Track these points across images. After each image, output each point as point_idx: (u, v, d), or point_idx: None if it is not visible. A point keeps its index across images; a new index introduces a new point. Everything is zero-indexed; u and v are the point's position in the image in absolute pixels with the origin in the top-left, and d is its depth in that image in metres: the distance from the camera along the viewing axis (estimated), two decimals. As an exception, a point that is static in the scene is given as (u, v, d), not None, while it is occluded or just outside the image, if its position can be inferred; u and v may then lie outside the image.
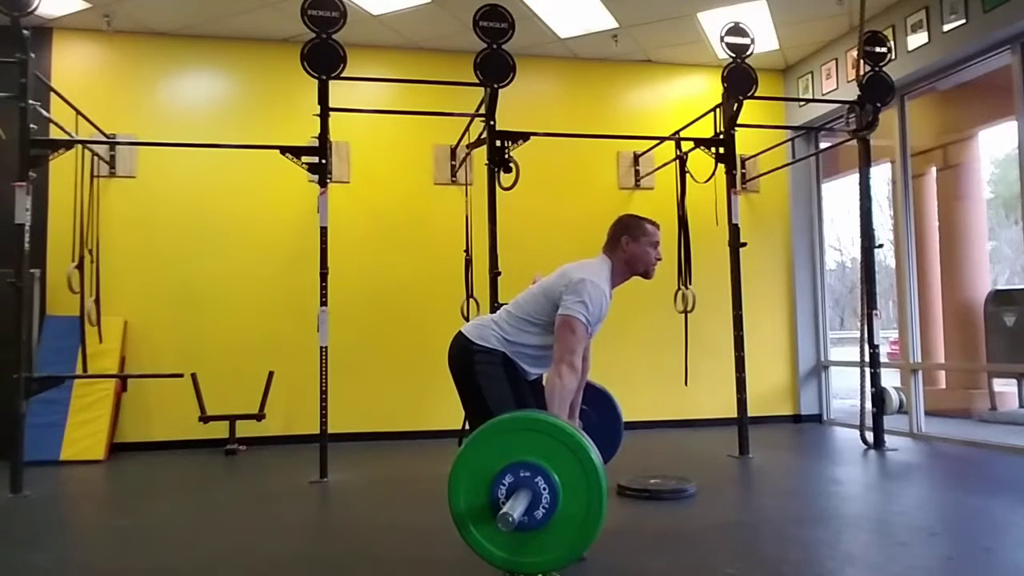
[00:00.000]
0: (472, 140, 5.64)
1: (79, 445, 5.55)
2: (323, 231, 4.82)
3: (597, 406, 4.02)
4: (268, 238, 6.37)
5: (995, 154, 18.55)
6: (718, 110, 5.72)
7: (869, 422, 5.58)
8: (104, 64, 6.34)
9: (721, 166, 5.57)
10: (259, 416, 5.99)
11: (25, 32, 4.49)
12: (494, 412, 2.62)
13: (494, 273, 4.85)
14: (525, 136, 5.01)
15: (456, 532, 2.32)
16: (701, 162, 5.81)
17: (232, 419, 5.90)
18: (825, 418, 7.29)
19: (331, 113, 4.85)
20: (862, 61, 5.58)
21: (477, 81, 4.85)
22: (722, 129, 5.61)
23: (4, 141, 4.65)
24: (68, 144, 4.93)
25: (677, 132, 6.11)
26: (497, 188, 4.95)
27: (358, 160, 6.50)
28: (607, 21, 6.29)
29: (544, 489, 2.26)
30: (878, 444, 5.51)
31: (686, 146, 5.84)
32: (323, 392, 4.74)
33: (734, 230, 5.46)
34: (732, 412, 5.47)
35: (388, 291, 6.52)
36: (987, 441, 5.77)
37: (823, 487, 4.54)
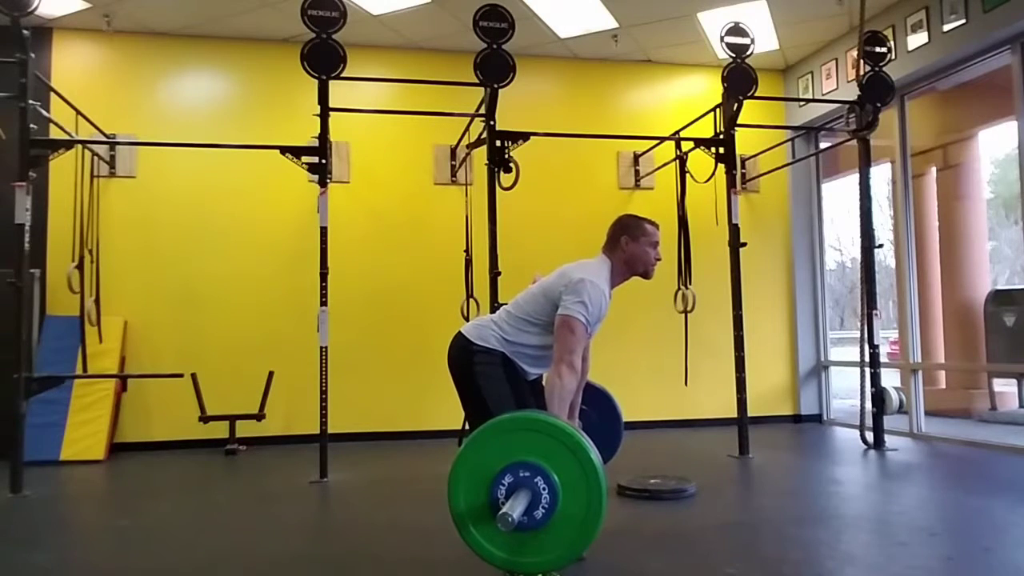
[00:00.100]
0: (472, 140, 5.64)
1: (79, 445, 5.55)
2: (323, 231, 4.82)
3: (597, 406, 4.01)
4: (268, 238, 6.37)
5: (995, 154, 18.57)
6: (718, 110, 5.72)
7: (869, 422, 5.58)
8: (104, 64, 6.34)
9: (721, 166, 5.57)
10: (259, 416, 5.99)
11: (25, 32, 4.49)
12: (494, 412, 2.62)
13: (494, 273, 4.85)
14: (525, 136, 5.01)
15: (456, 532, 2.32)
16: (701, 162, 5.81)
17: (232, 419, 5.90)
18: (825, 418, 7.29)
19: (331, 113, 4.85)
20: (862, 61, 5.58)
21: (477, 81, 4.85)
22: (722, 129, 5.61)
23: (4, 141, 4.65)
24: (68, 144, 4.93)
25: (677, 132, 6.11)
26: (497, 188, 4.95)
27: (358, 160, 6.50)
28: (607, 21, 6.29)
29: (544, 489, 2.26)
30: (878, 444, 5.51)
31: (686, 146, 5.84)
32: (323, 392, 4.74)
33: (734, 230, 5.46)
34: (732, 412, 5.47)
35: (388, 291, 6.52)
36: (987, 441, 5.76)
37: (823, 487, 4.54)
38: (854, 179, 5.83)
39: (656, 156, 6.81)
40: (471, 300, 5.95)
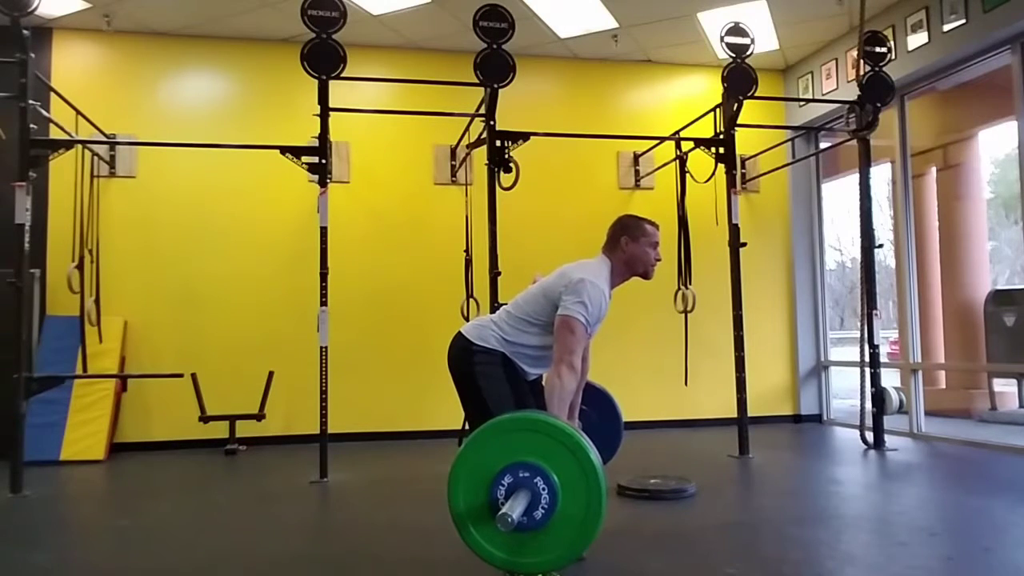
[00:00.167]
0: (472, 140, 5.64)
1: (79, 445, 5.55)
2: (323, 231, 4.82)
3: (597, 406, 4.01)
4: (268, 238, 6.37)
5: (995, 154, 18.55)
6: (718, 110, 5.72)
7: (869, 422, 5.58)
8: (104, 64, 6.35)
9: (721, 166, 5.57)
10: (259, 416, 5.99)
11: (25, 32, 4.49)
12: (494, 412, 2.62)
13: (494, 273, 4.85)
14: (525, 136, 5.01)
15: (456, 532, 2.32)
16: (701, 162, 5.81)
17: (232, 419, 5.90)
18: (825, 418, 7.29)
19: (331, 113, 4.85)
20: (862, 61, 5.58)
21: (477, 81, 4.85)
22: (722, 129, 5.61)
23: (4, 141, 4.65)
24: (68, 144, 4.93)
25: (677, 132, 6.11)
26: (497, 188, 4.95)
27: (358, 160, 6.50)
28: (607, 21, 6.29)
29: (543, 489, 2.26)
30: (878, 444, 5.51)
31: (686, 146, 5.84)
32: (323, 392, 4.74)
33: (734, 230, 5.46)
34: (732, 412, 5.48)
35: (388, 291, 6.52)
36: (987, 441, 5.76)
37: (823, 487, 4.54)
38: (854, 179, 5.83)
39: (656, 156, 6.81)
40: (471, 300, 5.95)
